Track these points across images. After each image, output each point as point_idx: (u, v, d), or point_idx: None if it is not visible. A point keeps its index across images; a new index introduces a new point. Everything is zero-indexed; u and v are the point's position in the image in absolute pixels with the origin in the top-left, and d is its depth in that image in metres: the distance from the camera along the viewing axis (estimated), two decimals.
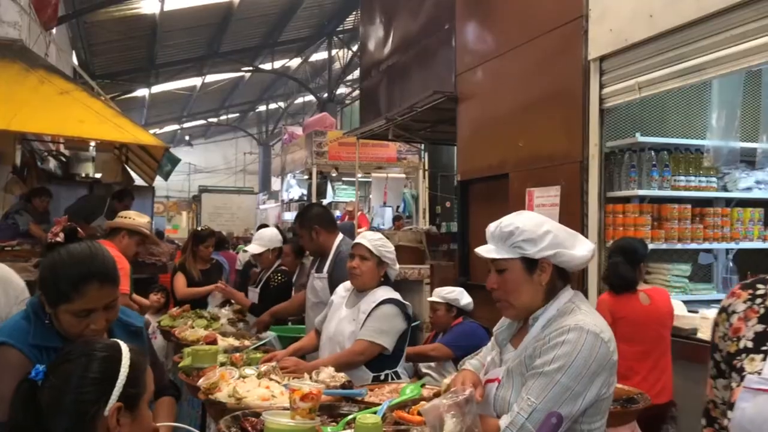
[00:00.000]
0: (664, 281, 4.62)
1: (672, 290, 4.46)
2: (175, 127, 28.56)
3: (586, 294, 4.78)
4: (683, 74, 4.02)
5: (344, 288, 3.40)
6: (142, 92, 20.35)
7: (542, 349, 1.86)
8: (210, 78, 20.97)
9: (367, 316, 3.10)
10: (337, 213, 15.39)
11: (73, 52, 13.87)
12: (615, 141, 4.82)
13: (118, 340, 1.64)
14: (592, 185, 4.78)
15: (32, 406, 1.49)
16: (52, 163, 9.99)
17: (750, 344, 1.18)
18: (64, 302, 1.80)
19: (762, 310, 1.23)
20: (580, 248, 1.97)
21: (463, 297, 4.42)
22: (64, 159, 10.14)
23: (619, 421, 2.85)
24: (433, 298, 4.46)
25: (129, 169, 9.32)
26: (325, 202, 14.32)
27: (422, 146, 11.31)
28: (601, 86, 4.68)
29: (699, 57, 3.89)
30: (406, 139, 9.52)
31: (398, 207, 13.50)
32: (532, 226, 1.95)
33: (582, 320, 1.87)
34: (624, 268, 3.87)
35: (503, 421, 1.82)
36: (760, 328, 1.20)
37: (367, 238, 3.26)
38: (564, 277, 2.00)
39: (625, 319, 3.77)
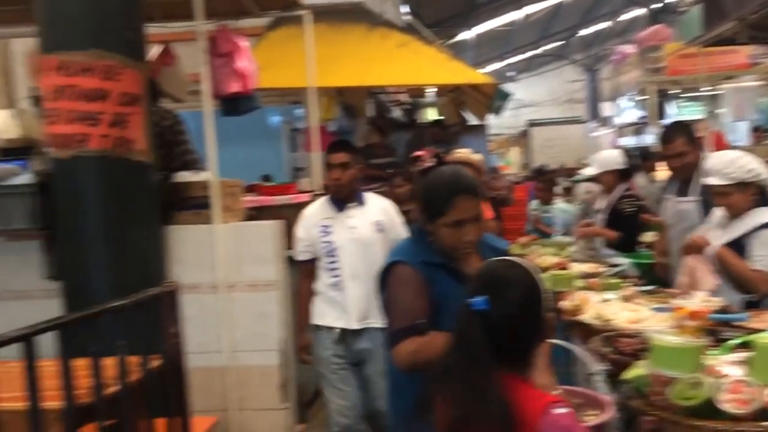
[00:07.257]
0: None
1: None
2: (499, 64, 28.88)
3: None
4: None
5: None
6: (465, 35, 20.91)
7: None
8: (529, 9, 20.61)
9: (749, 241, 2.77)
10: None
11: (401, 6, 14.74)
12: None
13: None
14: None
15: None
16: (397, 112, 10.92)
17: None
18: (440, 216, 2.02)
19: None
20: None
21: None
22: (409, 107, 11.04)
23: None
24: None
25: (462, 111, 9.69)
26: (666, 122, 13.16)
27: None
28: None
29: None
30: (762, 40, 8.26)
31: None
32: None
33: None
34: None
35: None
36: None
37: (712, 175, 2.85)
38: None
39: None
